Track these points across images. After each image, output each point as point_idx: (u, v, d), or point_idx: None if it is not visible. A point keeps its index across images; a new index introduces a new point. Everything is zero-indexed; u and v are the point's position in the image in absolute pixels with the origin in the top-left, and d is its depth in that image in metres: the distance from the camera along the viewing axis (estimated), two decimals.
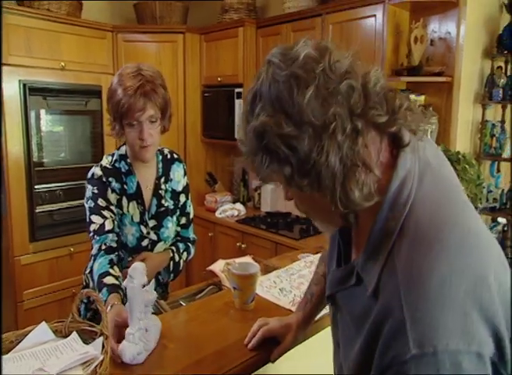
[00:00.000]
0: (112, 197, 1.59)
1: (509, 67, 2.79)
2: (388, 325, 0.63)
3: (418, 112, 0.76)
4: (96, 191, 1.57)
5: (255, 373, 1.23)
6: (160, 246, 1.71)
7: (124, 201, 1.62)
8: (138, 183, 1.64)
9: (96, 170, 1.61)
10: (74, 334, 1.07)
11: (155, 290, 1.36)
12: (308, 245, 2.63)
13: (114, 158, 1.64)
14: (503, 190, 2.78)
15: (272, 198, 3.71)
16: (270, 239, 3.05)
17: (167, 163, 1.73)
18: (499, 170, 2.86)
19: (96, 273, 1.44)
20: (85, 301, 1.69)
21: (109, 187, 1.59)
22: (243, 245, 3.25)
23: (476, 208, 2.62)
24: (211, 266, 1.96)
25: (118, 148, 1.67)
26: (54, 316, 1.12)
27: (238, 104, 3.49)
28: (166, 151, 1.76)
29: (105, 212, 1.56)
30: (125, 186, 1.62)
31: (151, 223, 1.67)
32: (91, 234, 1.54)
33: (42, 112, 3.14)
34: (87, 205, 1.58)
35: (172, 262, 1.70)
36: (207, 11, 4.02)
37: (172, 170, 1.74)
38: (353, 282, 0.77)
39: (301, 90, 0.67)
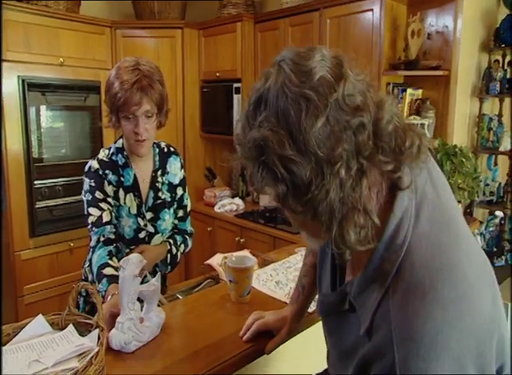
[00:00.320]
0: (109, 189, 1.61)
1: (506, 60, 2.79)
2: (378, 366, 0.65)
3: (428, 145, 0.73)
4: (93, 184, 1.59)
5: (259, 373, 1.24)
6: (157, 238, 1.73)
7: (121, 193, 1.64)
8: (135, 175, 1.66)
9: (93, 163, 1.62)
10: (70, 327, 1.08)
11: None
12: None
13: (111, 152, 1.66)
14: (500, 183, 2.79)
15: None
16: (268, 233, 3.07)
17: (164, 156, 1.74)
18: (496, 164, 2.87)
19: (95, 264, 1.46)
20: (84, 294, 1.71)
21: (106, 180, 1.61)
22: (241, 240, 3.27)
23: (473, 201, 2.64)
24: (209, 260, 1.98)
25: (115, 142, 1.68)
26: (54, 311, 1.14)
27: (236, 99, 3.50)
28: (163, 144, 1.77)
29: (103, 205, 1.58)
30: (121, 178, 1.64)
31: (148, 215, 1.69)
32: (89, 226, 1.57)
33: (41, 108, 3.15)
34: (84, 198, 1.60)
35: (169, 255, 1.72)
36: (205, 6, 4.02)
37: (169, 163, 1.75)
38: (347, 308, 0.78)
39: (311, 115, 0.62)
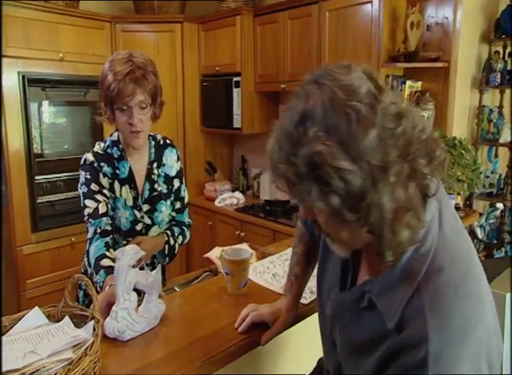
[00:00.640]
0: (104, 181, 1.62)
1: (507, 51, 2.77)
2: (408, 357, 0.70)
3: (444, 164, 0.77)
4: (89, 177, 1.60)
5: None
6: (154, 230, 1.74)
7: (116, 185, 1.65)
8: (130, 168, 1.67)
9: (88, 156, 1.63)
10: (66, 318, 1.09)
11: None
12: None
13: (106, 145, 1.67)
14: (500, 175, 2.78)
15: (271, 186, 3.73)
16: (268, 227, 3.08)
17: (159, 148, 1.75)
18: (496, 155, 2.86)
19: (93, 256, 1.48)
20: (84, 287, 1.72)
21: (101, 172, 1.62)
22: (242, 233, 3.28)
23: (472, 193, 2.63)
24: (207, 253, 1.98)
25: (110, 135, 1.69)
26: None
27: (236, 93, 3.50)
28: (159, 137, 1.78)
29: (98, 196, 1.59)
30: (117, 171, 1.65)
31: (145, 207, 1.70)
32: (86, 218, 1.58)
33: (41, 103, 3.16)
34: (80, 191, 1.61)
35: (167, 246, 1.73)
36: (204, 0, 4.01)
37: (165, 155, 1.76)
38: (365, 305, 0.81)
39: (362, 126, 0.66)
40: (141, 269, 1.57)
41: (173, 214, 1.81)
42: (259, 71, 3.47)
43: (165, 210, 1.75)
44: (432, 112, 2.62)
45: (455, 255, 0.76)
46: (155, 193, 1.72)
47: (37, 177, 3.13)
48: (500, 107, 2.82)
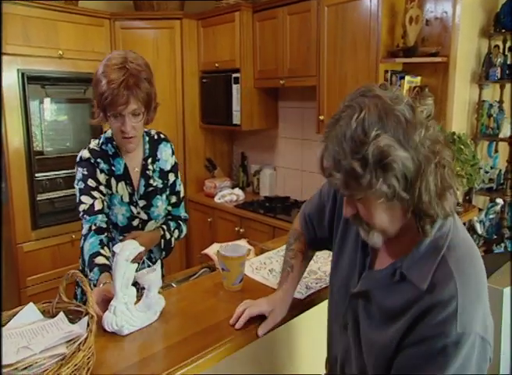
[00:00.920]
0: (101, 177, 1.63)
1: (506, 46, 2.76)
2: (440, 313, 0.88)
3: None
4: (86, 172, 1.60)
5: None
6: (151, 225, 1.75)
7: (113, 181, 1.65)
8: (125, 164, 1.67)
9: (84, 153, 1.64)
10: (61, 314, 1.10)
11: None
12: None
13: (101, 141, 1.67)
14: (500, 170, 2.77)
15: (271, 182, 3.73)
16: (268, 223, 3.08)
17: (154, 144, 1.75)
18: (496, 151, 2.85)
19: (87, 253, 1.48)
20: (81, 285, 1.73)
21: (98, 168, 1.62)
22: (241, 230, 3.28)
23: (472, 188, 2.63)
24: (206, 249, 1.99)
25: (105, 132, 1.69)
26: None
27: (236, 89, 3.50)
28: (153, 132, 1.78)
29: (95, 193, 1.59)
30: (112, 167, 1.65)
31: (141, 202, 1.70)
32: (81, 214, 1.59)
33: (41, 100, 3.17)
34: (77, 187, 1.62)
35: (163, 241, 1.74)
36: None
37: (160, 150, 1.76)
38: (397, 279, 0.98)
39: (413, 126, 0.87)
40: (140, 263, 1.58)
41: (169, 208, 1.81)
42: (258, 67, 3.46)
43: (161, 205, 1.75)
44: (431, 107, 2.60)
45: (465, 235, 0.99)
46: (151, 188, 1.72)
47: (36, 175, 3.14)
48: (500, 102, 2.81)
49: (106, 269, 1.40)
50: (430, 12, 2.66)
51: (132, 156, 1.68)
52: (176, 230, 1.80)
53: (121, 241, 1.63)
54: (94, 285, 1.38)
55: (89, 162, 1.62)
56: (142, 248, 1.25)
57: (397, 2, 2.69)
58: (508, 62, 2.71)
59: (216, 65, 3.63)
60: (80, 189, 1.61)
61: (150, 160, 1.73)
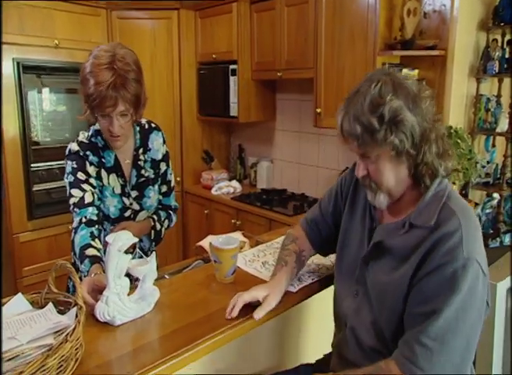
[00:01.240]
0: (91, 169, 1.62)
1: (505, 39, 2.73)
2: (448, 242, 1.04)
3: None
4: (75, 166, 1.59)
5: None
6: (142, 215, 1.75)
7: (103, 173, 1.64)
8: (116, 156, 1.66)
9: (72, 146, 1.63)
10: (50, 305, 1.10)
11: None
12: None
13: (90, 134, 1.66)
14: (497, 164, 2.76)
15: (268, 175, 3.72)
16: (264, 216, 3.08)
17: (145, 133, 1.74)
18: (494, 145, 2.84)
19: (77, 245, 1.47)
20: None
21: (87, 161, 1.61)
22: (238, 222, 3.28)
23: (468, 182, 2.62)
24: (200, 241, 1.98)
25: (94, 124, 1.68)
26: None
27: (233, 81, 3.48)
28: (144, 121, 1.76)
29: (85, 186, 1.58)
30: (102, 159, 1.64)
31: (133, 193, 1.70)
32: (72, 208, 1.58)
33: (39, 90, 3.15)
34: (67, 181, 1.60)
35: (153, 231, 1.75)
36: None
37: (151, 140, 1.75)
38: (407, 229, 1.14)
39: (421, 97, 1.11)
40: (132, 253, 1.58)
41: (160, 197, 1.81)
42: (256, 59, 3.44)
43: (153, 195, 1.75)
44: None
45: (457, 193, 1.19)
46: (143, 179, 1.71)
47: (33, 165, 3.13)
48: (498, 96, 2.79)
49: (97, 260, 1.39)
50: (428, 5, 2.63)
51: (123, 147, 1.67)
52: (166, 220, 1.81)
53: (111, 231, 1.63)
54: (85, 277, 1.38)
55: (78, 155, 1.61)
56: (136, 239, 1.25)
57: None
58: (506, 56, 2.69)
59: (214, 56, 3.61)
60: (69, 182, 1.59)
61: (141, 150, 1.72)
